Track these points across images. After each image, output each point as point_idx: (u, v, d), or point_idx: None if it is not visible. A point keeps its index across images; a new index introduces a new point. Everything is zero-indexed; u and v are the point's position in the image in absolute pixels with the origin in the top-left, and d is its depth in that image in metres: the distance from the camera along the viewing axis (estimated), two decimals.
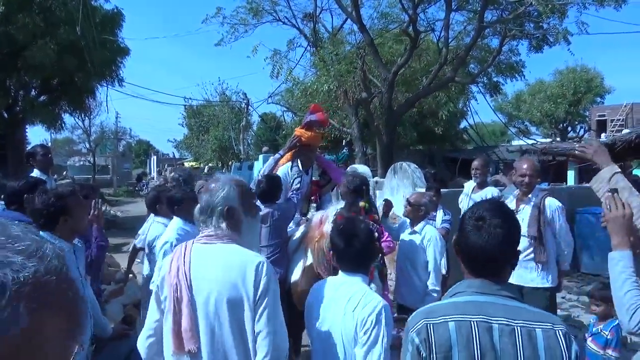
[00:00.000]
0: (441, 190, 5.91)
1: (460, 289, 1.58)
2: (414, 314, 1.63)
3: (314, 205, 4.66)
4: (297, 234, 3.98)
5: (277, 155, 4.61)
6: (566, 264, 4.40)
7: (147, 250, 4.39)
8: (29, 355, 0.59)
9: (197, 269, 2.03)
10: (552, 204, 4.26)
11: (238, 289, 1.95)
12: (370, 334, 2.13)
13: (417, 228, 4.18)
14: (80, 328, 0.65)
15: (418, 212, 4.22)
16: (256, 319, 1.95)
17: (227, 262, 2.00)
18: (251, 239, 2.22)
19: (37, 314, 0.58)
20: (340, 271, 2.43)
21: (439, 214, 5.26)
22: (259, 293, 1.94)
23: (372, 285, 2.89)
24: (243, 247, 2.06)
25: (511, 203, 4.39)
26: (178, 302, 2.01)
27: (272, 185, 3.95)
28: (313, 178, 4.78)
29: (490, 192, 5.54)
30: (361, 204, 3.43)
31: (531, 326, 1.45)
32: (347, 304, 2.24)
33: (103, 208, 4.40)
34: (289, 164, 4.50)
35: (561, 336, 1.44)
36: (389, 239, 4.08)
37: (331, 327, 2.31)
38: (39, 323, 0.59)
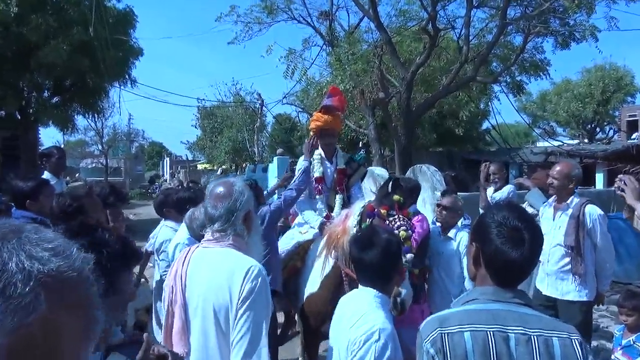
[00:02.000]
0: (462, 194, 5.83)
1: (473, 296, 1.56)
2: (426, 321, 1.58)
3: (340, 196, 4.30)
4: (321, 242, 3.74)
5: (304, 165, 4.19)
6: (606, 283, 4.08)
7: (155, 255, 4.34)
8: (44, 347, 0.62)
9: (193, 272, 2.03)
10: (592, 212, 3.96)
11: (224, 294, 1.90)
12: (355, 356, 2.04)
13: (450, 234, 4.02)
14: (95, 329, 0.69)
15: (454, 217, 4.06)
16: (232, 326, 1.87)
17: (219, 266, 1.98)
18: (258, 241, 2.23)
19: (56, 305, 0.63)
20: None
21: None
22: (240, 299, 1.87)
23: (402, 289, 2.71)
24: (240, 252, 2.02)
25: (548, 209, 4.19)
26: (172, 304, 2.04)
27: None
28: (338, 166, 4.38)
29: (507, 189, 5.51)
30: (395, 197, 3.15)
31: (547, 335, 1.44)
32: (348, 321, 2.19)
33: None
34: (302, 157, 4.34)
35: (577, 345, 1.43)
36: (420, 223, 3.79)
37: (335, 344, 2.28)
38: (57, 314, 0.63)
